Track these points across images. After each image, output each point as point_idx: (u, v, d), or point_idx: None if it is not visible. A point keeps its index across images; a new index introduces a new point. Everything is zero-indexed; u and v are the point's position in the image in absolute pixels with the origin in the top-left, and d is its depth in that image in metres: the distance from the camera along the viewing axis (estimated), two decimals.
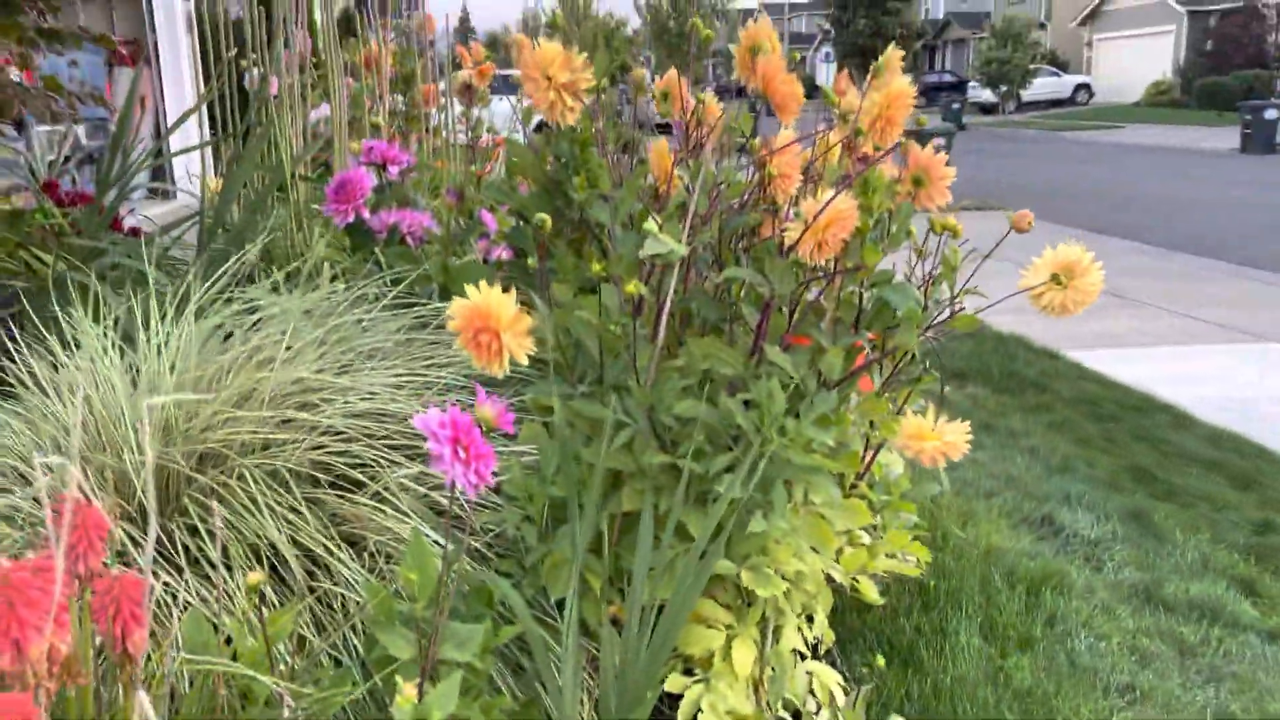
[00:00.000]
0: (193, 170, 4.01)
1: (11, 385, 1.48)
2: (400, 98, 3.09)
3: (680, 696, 1.38)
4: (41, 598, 0.65)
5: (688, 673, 1.42)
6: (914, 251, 1.53)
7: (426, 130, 2.99)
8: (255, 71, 2.63)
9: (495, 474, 1.41)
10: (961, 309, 1.33)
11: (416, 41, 3.45)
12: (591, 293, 1.44)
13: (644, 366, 1.32)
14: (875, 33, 31.84)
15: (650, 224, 1.30)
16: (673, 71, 1.54)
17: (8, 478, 1.22)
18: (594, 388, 1.34)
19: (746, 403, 1.30)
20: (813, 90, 1.94)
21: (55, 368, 1.40)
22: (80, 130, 4.03)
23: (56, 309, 1.58)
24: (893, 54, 1.34)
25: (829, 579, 1.55)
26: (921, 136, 1.44)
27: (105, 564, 0.82)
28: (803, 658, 1.54)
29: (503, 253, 1.96)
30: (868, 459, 1.57)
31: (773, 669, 1.46)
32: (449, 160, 2.72)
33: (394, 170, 1.82)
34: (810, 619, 1.57)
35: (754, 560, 1.35)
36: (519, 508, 1.36)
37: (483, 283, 1.14)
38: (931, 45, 39.34)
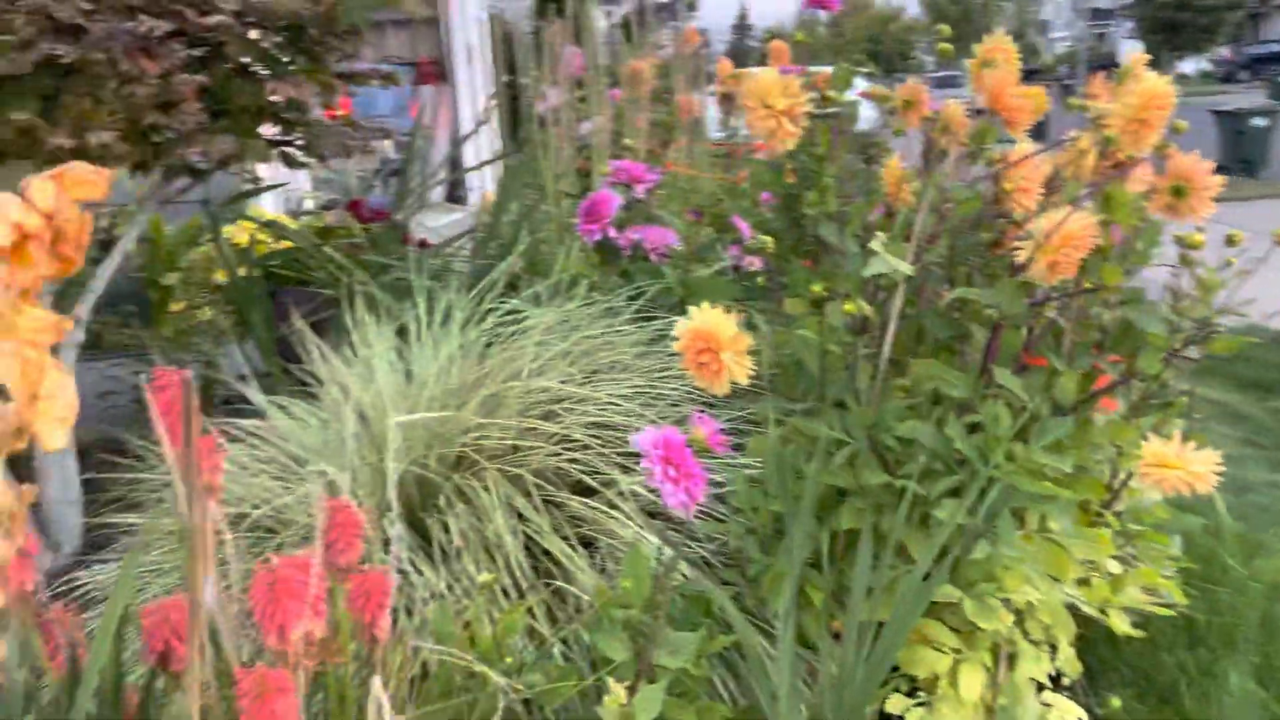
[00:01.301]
0: (484, 184, 4.36)
1: (308, 385, 1.71)
2: (660, 109, 3.21)
3: (901, 718, 1.37)
4: (302, 589, 0.77)
5: (911, 695, 1.40)
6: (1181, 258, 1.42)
7: (683, 141, 3.09)
8: (533, 89, 2.83)
9: (720, 485, 1.47)
10: (1219, 329, 1.23)
11: (679, 53, 3.57)
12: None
13: (866, 386, 1.32)
14: (1182, 4, 28.80)
15: (876, 242, 1.30)
16: (913, 83, 1.51)
17: (287, 475, 1.42)
18: (815, 405, 1.35)
19: (975, 425, 1.27)
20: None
21: (341, 372, 1.60)
22: (388, 145, 4.49)
23: (349, 318, 1.80)
24: (1136, 59, 1.25)
25: (1074, 609, 1.48)
26: (1236, 117, 1.33)
27: (362, 558, 0.95)
28: (1042, 688, 1.48)
29: (754, 261, 2.01)
30: (1115, 485, 1.47)
31: (1005, 698, 1.42)
32: (703, 169, 2.80)
33: (641, 189, 1.92)
34: (1054, 648, 1.50)
35: (980, 588, 1.32)
36: (742, 520, 1.40)
37: (705, 304, 1.19)
38: (1258, 11, 35.19)
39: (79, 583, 1.52)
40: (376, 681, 0.75)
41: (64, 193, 0.49)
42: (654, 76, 3.37)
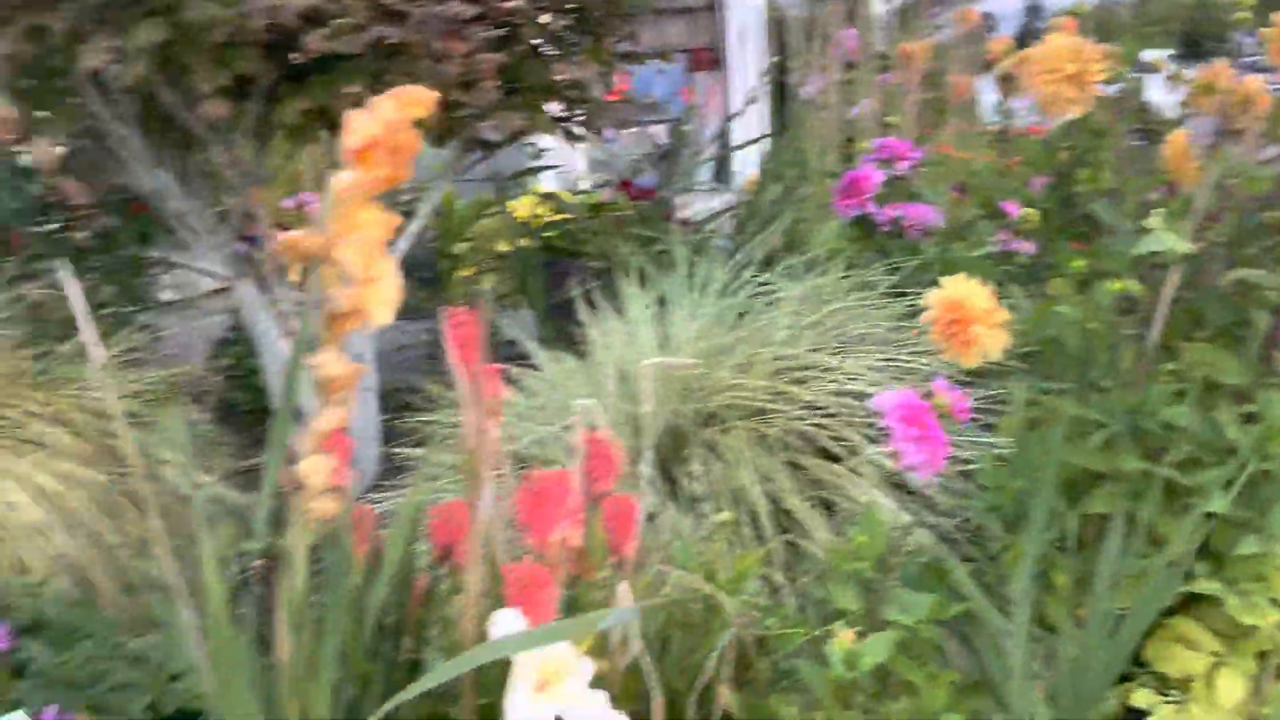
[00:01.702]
0: (749, 167, 4.43)
1: (579, 344, 1.85)
2: (932, 92, 3.15)
3: (1148, 713, 1.32)
4: (559, 498, 0.87)
5: (1162, 693, 1.34)
6: None
7: (954, 123, 3.02)
8: (802, 72, 2.87)
9: (966, 462, 1.46)
10: None
11: (957, 34, 3.48)
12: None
13: (1129, 367, 1.27)
14: None
15: (1153, 220, 1.25)
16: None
17: (554, 422, 1.55)
18: (1071, 386, 1.32)
19: (1249, 415, 1.20)
20: None
21: (606, 333, 1.72)
22: (659, 131, 4.67)
23: (616, 286, 1.92)
24: None
25: None
26: None
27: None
28: None
29: (1023, 245, 1.96)
30: None
31: (1271, 709, 1.32)
32: (974, 152, 2.73)
33: (903, 166, 1.91)
34: None
35: (1245, 586, 1.24)
36: (987, 498, 1.39)
37: (960, 275, 1.20)
38: None
39: (375, 504, 1.74)
40: (624, 586, 0.83)
41: (400, 110, 0.60)
42: (929, 59, 3.30)
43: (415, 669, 0.92)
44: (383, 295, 0.60)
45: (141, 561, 1.82)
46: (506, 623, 0.78)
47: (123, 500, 1.92)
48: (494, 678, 0.85)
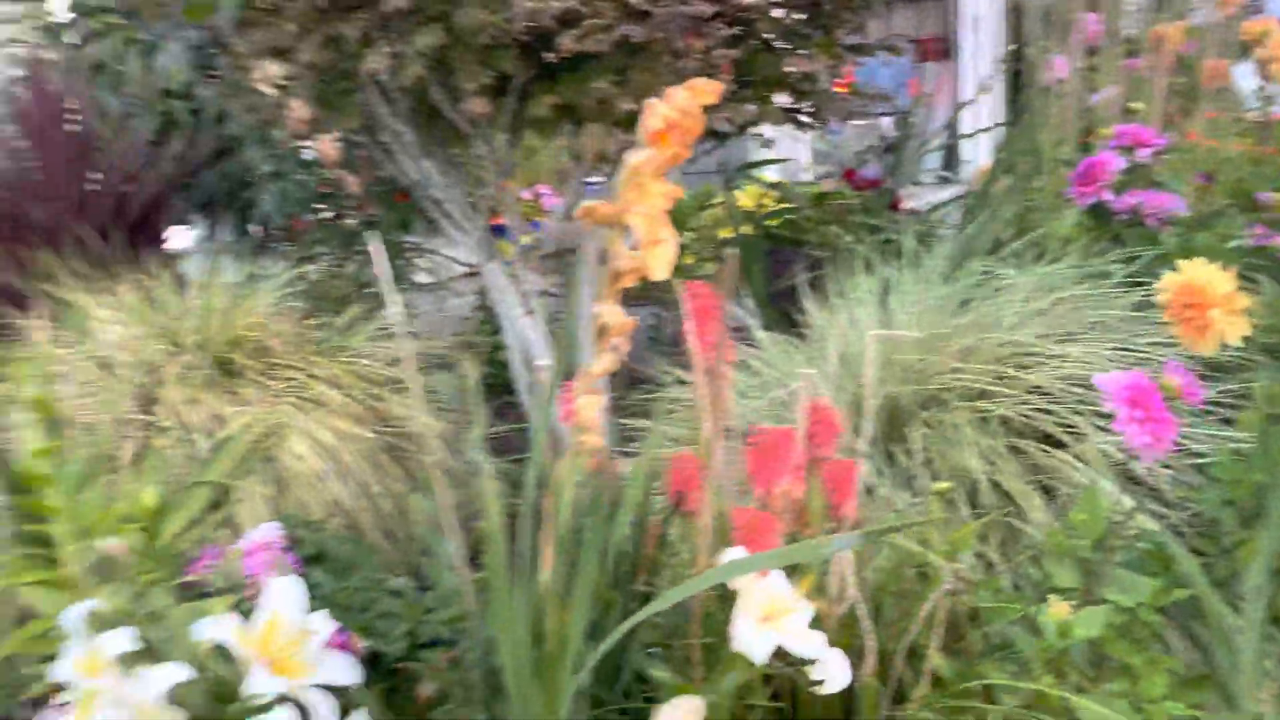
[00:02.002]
0: (979, 158, 4.33)
1: (800, 329, 1.92)
2: (1183, 77, 2.98)
3: None
4: (784, 453, 0.95)
5: None
6: None
7: (1206, 111, 2.85)
8: (1039, 59, 2.80)
9: (1201, 456, 1.42)
10: None
11: (1214, 17, 3.27)
12: None
13: None
14: None
15: None
16: None
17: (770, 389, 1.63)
18: None
19: None
20: None
21: (827, 317, 1.78)
22: (886, 123, 4.64)
23: (838, 273, 1.98)
24: None
25: None
26: None
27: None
28: None
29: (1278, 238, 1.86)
30: None
31: None
32: (1227, 139, 2.58)
33: (1144, 153, 1.85)
34: None
35: None
36: (1221, 491, 1.35)
37: (1198, 259, 1.18)
38: None
39: None
40: (843, 537, 0.90)
41: (692, 99, 0.70)
42: (1182, 42, 3.13)
43: (648, 600, 1.03)
44: (663, 256, 0.70)
45: (401, 508, 2.05)
46: (734, 558, 0.87)
47: (385, 456, 2.16)
48: (719, 620, 0.94)
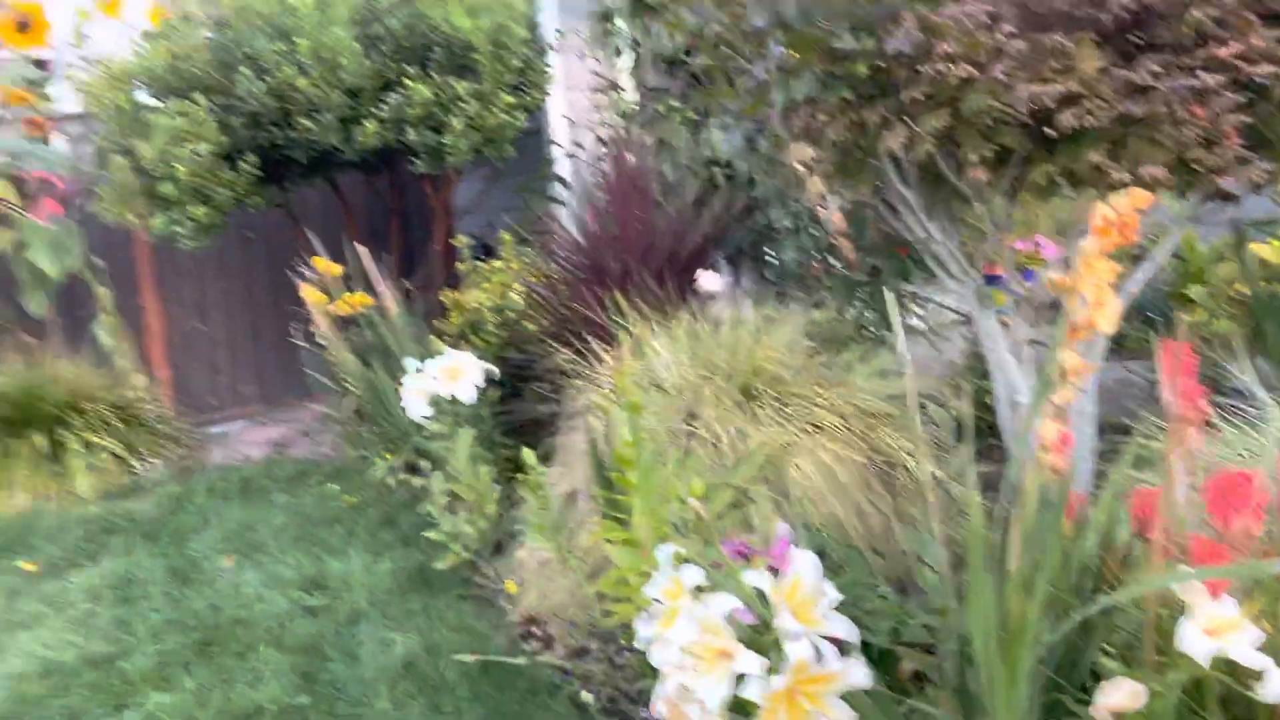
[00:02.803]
0: None
1: None
2: None
3: None
4: (1244, 493, 1.08)
5: None
6: None
7: None
8: None
9: None
10: None
11: None
12: None
13: None
14: None
15: None
16: None
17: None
18: None
19: None
20: None
21: None
22: None
23: None
24: None
25: None
26: None
27: None
28: None
29: None
30: None
31: None
32: None
33: None
34: None
35: None
36: None
37: None
38: None
39: None
40: None
41: (1130, 205, 0.92)
42: None
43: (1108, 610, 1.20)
44: (1107, 315, 0.91)
45: (887, 527, 2.32)
46: (1182, 569, 1.02)
47: (875, 480, 2.46)
48: (1169, 631, 1.09)
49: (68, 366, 4.07)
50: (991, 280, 2.62)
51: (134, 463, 3.98)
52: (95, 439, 3.90)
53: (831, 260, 3.46)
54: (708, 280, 3.53)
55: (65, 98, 5.73)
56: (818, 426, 2.55)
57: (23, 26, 3.25)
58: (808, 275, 3.49)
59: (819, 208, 3.08)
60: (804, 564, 1.34)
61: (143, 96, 3.95)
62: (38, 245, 3.51)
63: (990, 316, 2.38)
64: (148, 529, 3.28)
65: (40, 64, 4.97)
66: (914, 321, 3.56)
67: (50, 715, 2.19)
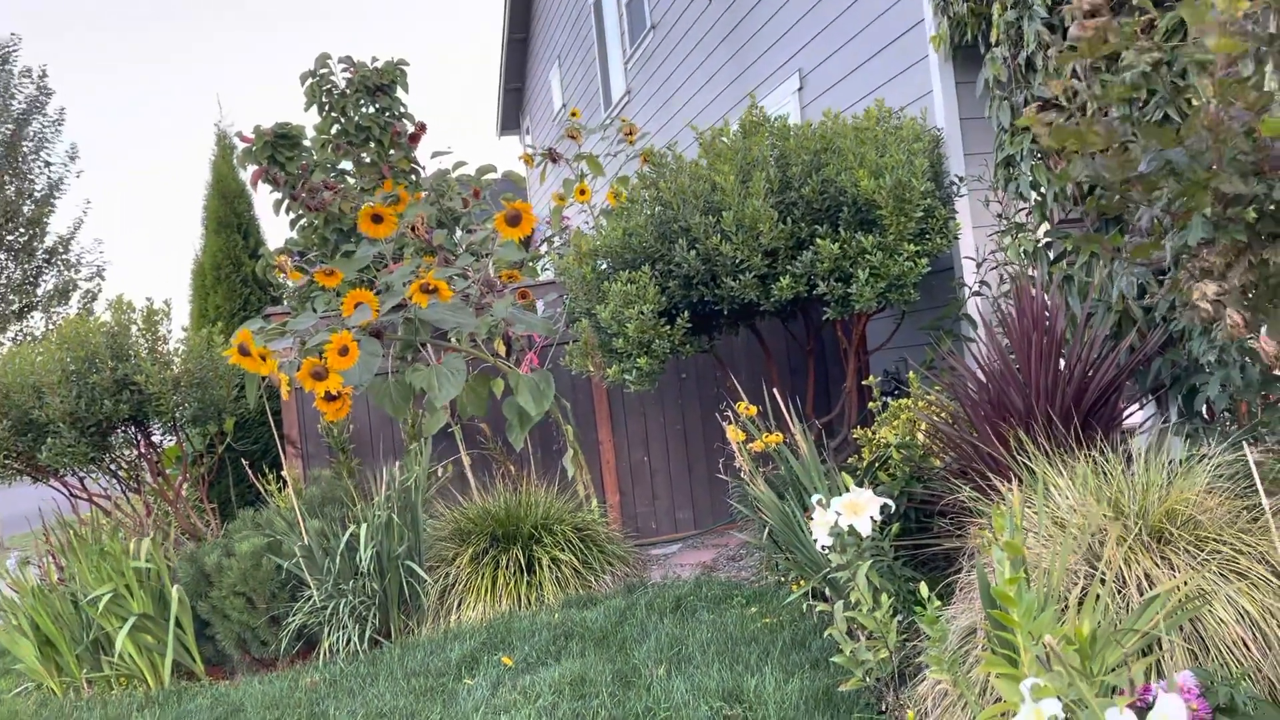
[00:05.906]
0: None
1: None
2: None
3: None
4: None
5: None
6: None
7: None
8: None
9: None
10: None
11: None
12: None
13: None
14: None
15: None
16: None
17: None
18: None
19: None
20: None
21: None
22: None
23: None
24: None
25: None
26: None
27: None
28: None
29: None
30: None
31: None
32: None
33: None
34: None
35: None
36: None
37: None
38: None
39: None
40: None
41: None
42: None
43: None
44: None
45: None
46: None
47: None
48: None
49: (540, 493, 4.86)
50: None
51: (589, 577, 4.62)
52: (560, 555, 4.60)
53: (1270, 392, 3.21)
54: (1126, 417, 3.43)
55: (543, 268, 6.92)
56: (1241, 574, 2.41)
57: (513, 221, 4.09)
58: (1237, 410, 3.27)
59: (1248, 337, 2.92)
60: (1170, 706, 1.39)
61: (601, 265, 4.74)
62: (522, 391, 4.29)
63: None
64: (599, 636, 3.81)
65: (526, 243, 6.08)
66: None
67: None
